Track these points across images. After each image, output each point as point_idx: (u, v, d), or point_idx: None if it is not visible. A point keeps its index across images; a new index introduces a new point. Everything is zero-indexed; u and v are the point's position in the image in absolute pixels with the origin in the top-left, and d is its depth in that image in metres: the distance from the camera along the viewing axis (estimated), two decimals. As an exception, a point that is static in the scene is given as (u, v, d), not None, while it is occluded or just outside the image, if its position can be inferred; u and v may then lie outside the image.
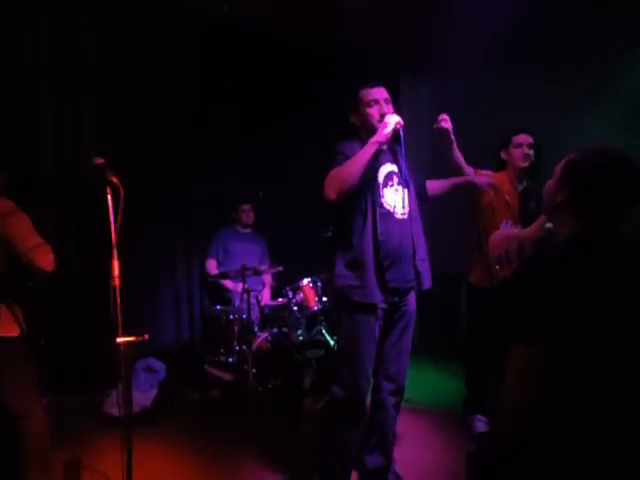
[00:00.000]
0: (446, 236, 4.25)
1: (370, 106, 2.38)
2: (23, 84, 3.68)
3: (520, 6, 3.79)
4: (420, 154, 4.55)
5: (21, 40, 3.66)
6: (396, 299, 2.35)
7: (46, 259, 2.27)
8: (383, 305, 2.32)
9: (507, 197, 3.06)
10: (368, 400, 2.46)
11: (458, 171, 2.80)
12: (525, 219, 3.01)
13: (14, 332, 2.25)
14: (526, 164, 3.05)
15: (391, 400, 2.48)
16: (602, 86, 4.28)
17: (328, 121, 4.99)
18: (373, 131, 2.32)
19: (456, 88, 5.00)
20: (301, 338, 3.79)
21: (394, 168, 2.44)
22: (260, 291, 4.32)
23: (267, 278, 4.47)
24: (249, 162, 4.67)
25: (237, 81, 4.67)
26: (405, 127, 2.27)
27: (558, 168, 1.44)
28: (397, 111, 2.40)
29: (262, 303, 4.12)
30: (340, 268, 2.34)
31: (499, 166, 3.17)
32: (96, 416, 3.37)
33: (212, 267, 4.42)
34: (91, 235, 3.65)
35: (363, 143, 2.34)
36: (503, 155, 3.14)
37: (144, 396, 3.55)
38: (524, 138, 3.06)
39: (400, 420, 2.59)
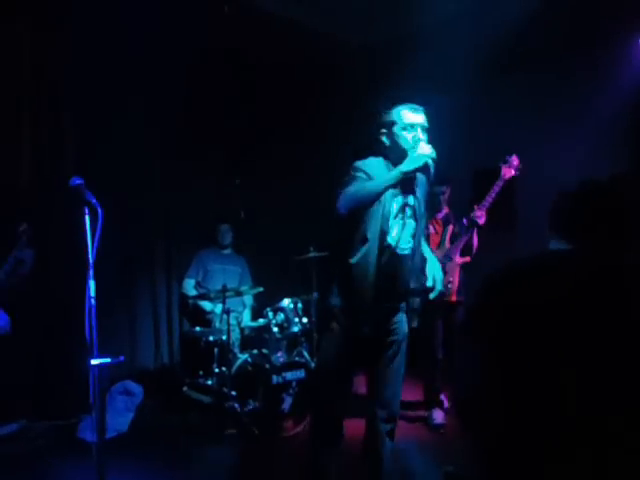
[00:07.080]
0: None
1: (406, 129, 2.25)
2: (3, 100, 3.66)
3: (503, 32, 3.98)
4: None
5: (2, 55, 3.66)
6: (382, 320, 2.33)
7: None
8: (367, 328, 2.30)
9: (431, 228, 3.71)
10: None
11: None
12: (451, 239, 3.70)
13: None
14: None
15: (386, 428, 2.36)
16: (581, 108, 4.39)
17: (311, 143, 5.10)
18: (402, 155, 2.22)
19: (441, 114, 5.09)
20: (281, 360, 3.76)
21: (409, 199, 2.33)
22: (240, 312, 4.29)
23: (247, 299, 4.44)
24: (230, 182, 4.67)
25: (221, 99, 4.69)
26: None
27: None
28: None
29: (242, 324, 4.08)
30: (335, 287, 2.30)
31: None
32: (69, 441, 3.28)
33: (189, 287, 4.34)
34: (67, 255, 3.60)
35: (389, 161, 2.29)
36: None
37: (121, 420, 3.47)
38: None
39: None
